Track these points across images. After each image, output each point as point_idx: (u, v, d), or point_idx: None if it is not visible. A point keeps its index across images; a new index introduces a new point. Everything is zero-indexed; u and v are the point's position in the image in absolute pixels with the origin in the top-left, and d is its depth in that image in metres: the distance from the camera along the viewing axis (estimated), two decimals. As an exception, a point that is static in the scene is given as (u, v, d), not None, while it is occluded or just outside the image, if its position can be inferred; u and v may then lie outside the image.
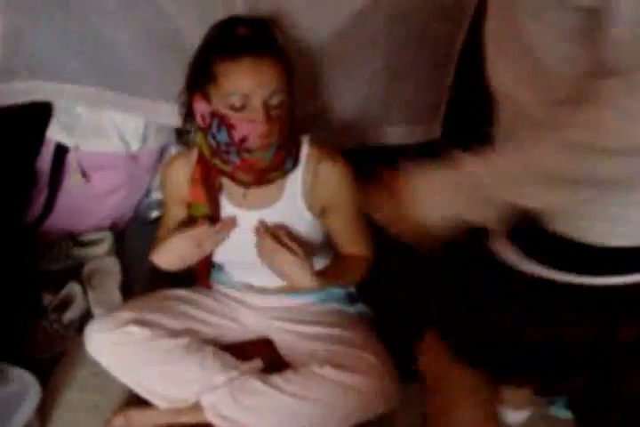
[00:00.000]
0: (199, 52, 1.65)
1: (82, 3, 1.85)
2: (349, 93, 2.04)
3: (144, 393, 1.82)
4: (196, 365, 1.79)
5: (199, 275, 1.96)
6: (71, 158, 2.29)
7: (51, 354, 2.08)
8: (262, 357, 1.89)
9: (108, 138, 2.26)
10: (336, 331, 1.89)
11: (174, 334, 1.83)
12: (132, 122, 2.25)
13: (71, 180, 2.32)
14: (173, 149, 2.42)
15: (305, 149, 1.78)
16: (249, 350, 1.93)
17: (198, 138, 1.75)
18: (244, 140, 1.60)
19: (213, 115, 1.61)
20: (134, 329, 1.78)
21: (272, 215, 1.79)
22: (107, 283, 2.30)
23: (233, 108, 1.57)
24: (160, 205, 2.54)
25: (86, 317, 2.18)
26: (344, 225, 1.85)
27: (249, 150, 1.63)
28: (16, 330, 2.04)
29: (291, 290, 1.92)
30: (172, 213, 1.90)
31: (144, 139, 2.31)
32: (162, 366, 1.79)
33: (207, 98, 1.62)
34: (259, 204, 1.79)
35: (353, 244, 1.89)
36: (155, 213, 2.54)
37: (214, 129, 1.63)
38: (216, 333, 1.94)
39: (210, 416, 1.77)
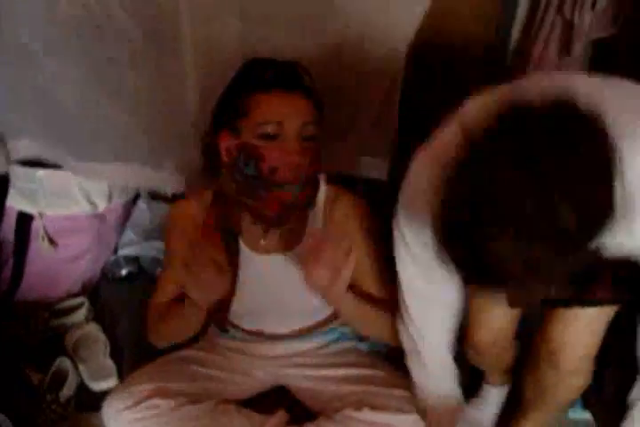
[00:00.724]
0: (227, 92, 1.64)
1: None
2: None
3: None
4: (224, 428, 1.70)
5: (219, 319, 1.86)
6: (36, 226, 2.20)
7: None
8: (282, 407, 1.80)
9: (75, 200, 2.19)
10: (358, 371, 1.83)
11: (195, 399, 1.73)
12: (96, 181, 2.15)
13: (38, 247, 2.21)
14: (142, 204, 2.32)
15: (322, 188, 1.74)
16: (266, 403, 1.86)
17: (222, 180, 1.70)
18: (273, 171, 1.56)
19: (241, 147, 1.57)
20: (158, 402, 1.68)
21: (293, 258, 1.74)
22: (95, 352, 2.17)
23: (265, 137, 1.54)
24: (130, 261, 2.46)
25: (81, 392, 2.07)
26: (364, 264, 1.73)
27: (278, 184, 1.57)
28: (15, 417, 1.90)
29: (302, 333, 1.88)
30: (175, 273, 1.76)
31: (109, 197, 2.21)
32: (190, 436, 1.69)
33: (235, 132, 1.59)
34: (279, 247, 1.75)
35: (371, 284, 1.77)
36: (124, 271, 2.45)
37: (241, 162, 1.58)
38: (230, 389, 1.85)
39: (249, 480, 1.68)
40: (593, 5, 2.10)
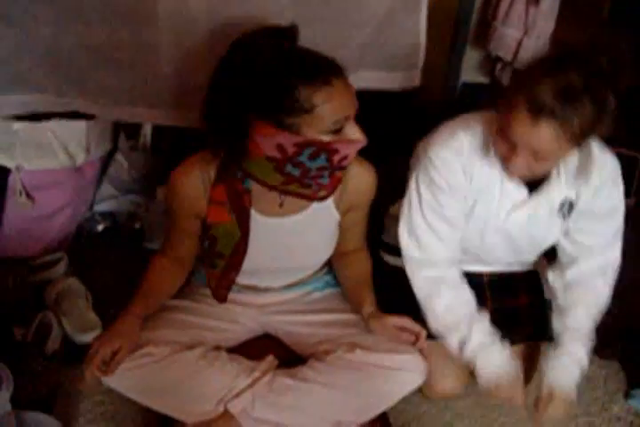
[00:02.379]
0: (264, 83, 1.47)
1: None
2: (324, 36, 1.94)
3: (170, 412, 1.71)
4: (217, 373, 1.70)
5: (223, 288, 1.85)
6: (14, 180, 2.13)
7: (45, 392, 1.91)
8: (270, 353, 1.81)
9: (53, 153, 2.13)
10: (345, 315, 1.87)
11: (187, 346, 1.73)
12: (74, 133, 2.11)
13: (15, 202, 2.16)
14: (120, 157, 2.28)
15: None
16: (254, 350, 1.87)
17: (254, 167, 1.62)
18: (343, 159, 1.57)
19: (306, 144, 1.50)
20: (152, 350, 1.68)
21: (305, 219, 1.77)
22: (77, 305, 2.15)
23: (333, 132, 1.50)
24: (106, 217, 2.44)
25: (67, 345, 2.06)
26: (360, 222, 1.90)
27: (344, 168, 1.61)
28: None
29: (292, 285, 1.93)
30: (181, 225, 1.80)
31: (87, 149, 2.17)
32: (185, 380, 1.69)
33: (287, 127, 1.49)
34: (293, 210, 1.76)
35: (358, 238, 1.94)
36: (101, 226, 2.44)
37: (304, 158, 1.53)
38: (219, 337, 1.85)
39: (243, 422, 1.69)
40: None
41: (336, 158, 1.55)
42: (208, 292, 1.91)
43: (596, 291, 1.83)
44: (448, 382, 1.85)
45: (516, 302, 1.98)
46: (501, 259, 1.92)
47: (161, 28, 1.86)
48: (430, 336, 1.77)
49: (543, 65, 1.46)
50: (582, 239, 1.81)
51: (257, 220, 1.74)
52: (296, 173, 1.57)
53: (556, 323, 1.84)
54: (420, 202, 1.76)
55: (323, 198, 1.69)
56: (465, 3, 2.27)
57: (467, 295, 1.80)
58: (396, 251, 1.87)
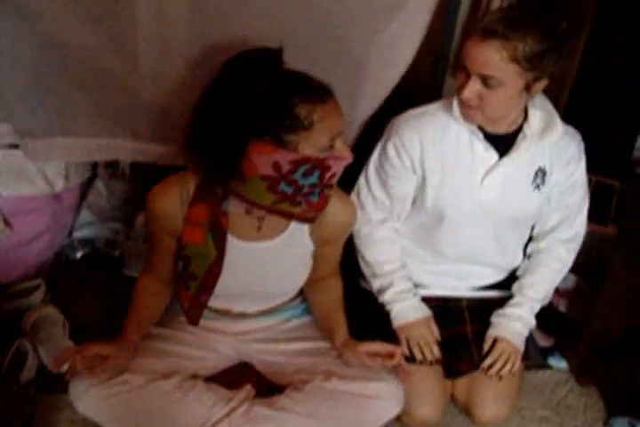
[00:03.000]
0: (262, 100, 1.47)
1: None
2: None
3: None
4: (194, 402, 1.69)
5: (195, 310, 1.82)
6: (-9, 207, 2.11)
7: (20, 420, 1.88)
8: (247, 382, 1.81)
9: (31, 180, 2.12)
10: (321, 343, 1.87)
11: (164, 375, 1.72)
12: (52, 159, 2.09)
13: (-7, 230, 2.14)
14: (99, 184, 2.28)
15: None
16: (231, 379, 1.86)
17: (245, 187, 1.59)
18: (332, 176, 1.60)
19: (301, 161, 1.51)
20: (128, 377, 1.67)
21: (279, 245, 1.77)
22: (54, 334, 2.11)
23: (328, 148, 1.53)
24: (85, 244, 2.44)
25: (43, 374, 2.02)
26: (334, 254, 1.91)
27: (332, 185, 1.63)
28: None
29: (268, 312, 1.92)
30: (160, 244, 1.80)
31: (66, 176, 2.16)
32: (161, 410, 1.67)
33: (283, 144, 1.49)
34: (268, 235, 1.75)
35: (331, 267, 1.94)
36: (79, 253, 2.42)
37: (298, 175, 1.54)
38: (196, 365, 1.84)
39: (220, 452, 1.68)
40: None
41: (327, 175, 1.57)
42: (186, 319, 1.89)
43: (561, 258, 2.00)
44: (427, 410, 1.87)
45: None
46: (484, 253, 1.97)
47: (140, 55, 1.87)
48: (407, 359, 1.83)
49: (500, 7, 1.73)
50: (555, 212, 1.95)
51: (232, 243, 1.73)
52: (289, 190, 1.57)
53: (515, 284, 2.02)
54: (371, 168, 1.95)
55: (309, 219, 1.68)
56: (446, 33, 2.28)
57: (391, 251, 1.99)
58: None
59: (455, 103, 1.76)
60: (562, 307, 2.41)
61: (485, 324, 1.95)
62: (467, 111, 1.72)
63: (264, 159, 1.51)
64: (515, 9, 1.64)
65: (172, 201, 1.70)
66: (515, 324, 1.91)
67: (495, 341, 1.90)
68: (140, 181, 2.44)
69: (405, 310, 1.93)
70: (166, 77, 1.93)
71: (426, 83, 2.35)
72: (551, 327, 2.33)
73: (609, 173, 2.37)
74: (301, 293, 1.98)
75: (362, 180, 1.97)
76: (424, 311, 1.95)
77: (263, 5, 1.81)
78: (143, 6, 1.77)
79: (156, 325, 1.88)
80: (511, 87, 1.63)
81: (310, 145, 1.50)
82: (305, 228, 1.76)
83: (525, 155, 1.79)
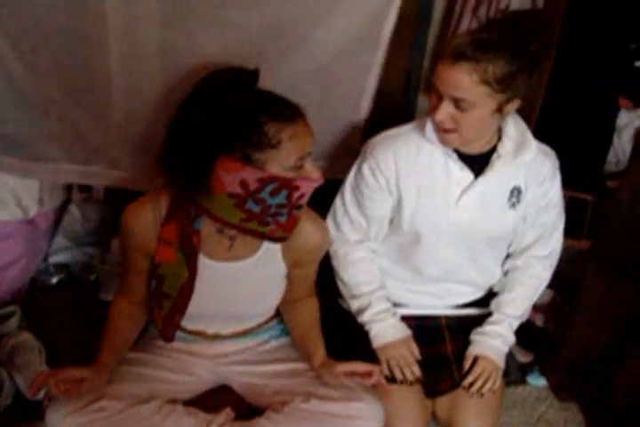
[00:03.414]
0: (231, 116, 1.48)
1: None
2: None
3: None
4: (173, 427, 1.68)
5: (169, 329, 1.82)
6: (-34, 234, 2.09)
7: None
8: (226, 405, 1.79)
9: (5, 205, 2.11)
10: (300, 364, 1.85)
11: (142, 399, 1.70)
12: (27, 184, 2.10)
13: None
14: (73, 208, 2.26)
15: None
16: (211, 402, 1.84)
17: (213, 205, 1.60)
18: (301, 197, 1.59)
19: (268, 180, 1.52)
20: (105, 404, 1.64)
21: (251, 265, 1.76)
22: (30, 360, 2.09)
23: (297, 168, 1.54)
24: (60, 269, 2.43)
25: (19, 401, 2.00)
26: (308, 276, 1.90)
27: (301, 206, 1.62)
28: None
29: (243, 333, 1.91)
30: (134, 264, 1.79)
31: (40, 201, 2.15)
32: (141, 435, 1.66)
33: (251, 162, 1.50)
34: (240, 255, 1.75)
35: (306, 288, 1.93)
36: (55, 279, 2.41)
37: (265, 194, 1.54)
38: (175, 389, 1.82)
39: (201, 477, 1.66)
40: (507, 8, 2.18)
41: (295, 196, 1.56)
42: (162, 344, 1.88)
43: (538, 275, 2.00)
44: None
45: None
46: (461, 272, 1.97)
47: (113, 84, 1.88)
48: (388, 379, 1.83)
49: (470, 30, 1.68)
50: (531, 230, 1.95)
51: (204, 263, 1.72)
52: (256, 209, 1.57)
53: (493, 301, 2.01)
54: (348, 189, 1.95)
55: (280, 239, 1.68)
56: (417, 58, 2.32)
57: (369, 271, 1.98)
58: None
59: (428, 124, 1.77)
60: (539, 322, 2.43)
61: (465, 342, 1.95)
62: (443, 135, 1.74)
63: (232, 176, 1.51)
64: (484, 30, 1.63)
65: (145, 220, 1.70)
66: (494, 341, 1.91)
67: (476, 359, 1.90)
68: (114, 204, 2.43)
69: (384, 330, 1.92)
70: (139, 106, 1.94)
71: (399, 102, 2.38)
72: (530, 343, 2.35)
73: (582, 187, 2.40)
74: (279, 313, 1.97)
75: (338, 201, 1.98)
76: (403, 331, 1.94)
77: (234, 30, 1.84)
78: (113, 39, 1.79)
79: (132, 349, 1.85)
80: (483, 109, 1.64)
81: (278, 164, 1.51)
82: (277, 249, 1.76)
83: (500, 174, 1.80)
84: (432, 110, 1.69)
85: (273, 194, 1.54)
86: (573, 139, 2.32)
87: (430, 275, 1.97)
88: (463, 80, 1.59)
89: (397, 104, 2.40)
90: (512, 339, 1.95)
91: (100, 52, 1.80)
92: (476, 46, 1.58)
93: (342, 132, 2.26)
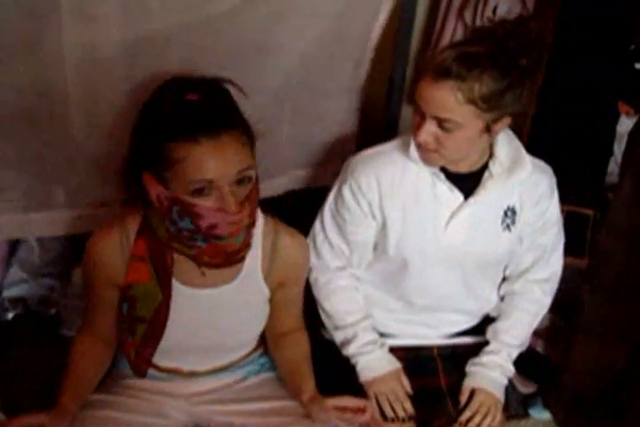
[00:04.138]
0: (145, 126, 1.51)
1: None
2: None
3: None
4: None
5: (143, 357, 1.76)
6: None
7: None
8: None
9: (-46, 236, 2.04)
10: (280, 403, 1.82)
11: None
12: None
13: None
14: (31, 237, 2.22)
15: (260, 220, 1.73)
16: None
17: (150, 216, 1.62)
18: (212, 227, 1.52)
19: (173, 201, 1.49)
20: None
21: (230, 292, 1.73)
22: (-15, 406, 2.04)
23: (196, 194, 1.47)
24: (17, 303, 2.43)
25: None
26: (293, 300, 1.88)
27: (219, 238, 1.55)
28: None
29: (222, 369, 1.87)
30: (100, 296, 1.75)
31: (-6, 231, 2.11)
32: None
33: (162, 181, 1.48)
34: (216, 281, 1.71)
35: (294, 318, 1.90)
36: (11, 314, 2.40)
37: (174, 215, 1.51)
38: (146, 433, 1.79)
39: None
40: (494, 10, 2.16)
41: (202, 224, 1.51)
42: (132, 383, 1.84)
43: (537, 300, 1.98)
44: None
45: None
46: (453, 299, 1.94)
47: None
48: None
49: (452, 43, 1.65)
50: (529, 252, 1.93)
51: (177, 289, 1.69)
52: (172, 229, 1.57)
53: (490, 329, 1.99)
54: (327, 213, 1.93)
55: (210, 265, 1.64)
56: (399, 62, 2.30)
57: (353, 300, 1.96)
58: None
59: (413, 144, 1.74)
60: (539, 348, 2.40)
61: (460, 373, 1.92)
62: (425, 155, 1.71)
63: (151, 191, 1.54)
64: (470, 43, 1.60)
65: (112, 247, 1.67)
66: (492, 373, 1.88)
67: (473, 392, 1.86)
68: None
69: (372, 363, 1.89)
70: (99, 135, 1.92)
71: (381, 113, 2.35)
72: (531, 371, 2.33)
73: (582, 201, 2.38)
74: (259, 346, 1.94)
75: (317, 225, 1.95)
76: (392, 364, 1.91)
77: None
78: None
79: (97, 390, 1.80)
80: (469, 129, 1.61)
81: (176, 186, 1.48)
82: (258, 271, 1.74)
83: (493, 194, 1.78)
84: (414, 129, 1.67)
85: (180, 217, 1.52)
86: (571, 148, 2.31)
87: (420, 304, 1.94)
88: (447, 99, 1.56)
89: (380, 115, 2.38)
90: (511, 370, 1.92)
91: (55, 62, 1.75)
92: (461, 62, 1.54)
93: (330, 136, 2.26)
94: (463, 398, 1.86)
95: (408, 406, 1.85)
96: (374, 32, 2.07)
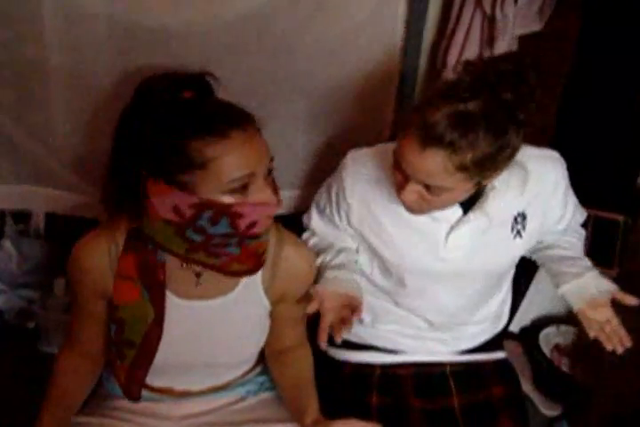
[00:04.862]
0: (146, 131, 1.42)
1: None
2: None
3: None
4: None
5: (134, 382, 1.71)
6: None
7: None
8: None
9: None
10: (282, 425, 1.77)
11: None
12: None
13: None
14: (7, 244, 2.24)
15: None
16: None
17: (149, 230, 1.55)
18: (252, 225, 1.49)
19: (203, 206, 1.42)
20: None
21: (228, 304, 1.69)
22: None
23: (235, 192, 1.42)
24: None
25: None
26: (296, 314, 1.83)
27: (256, 237, 1.52)
28: None
29: (217, 389, 1.84)
30: (86, 309, 1.70)
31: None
32: None
33: (181, 186, 1.42)
34: (213, 292, 1.67)
35: (297, 334, 1.87)
36: None
37: (204, 222, 1.44)
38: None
39: None
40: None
41: (242, 224, 1.46)
42: (119, 404, 1.80)
43: (574, 244, 1.95)
44: None
45: (489, 394, 1.91)
46: (463, 312, 1.91)
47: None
48: None
49: (444, 90, 1.48)
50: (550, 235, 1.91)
51: (172, 302, 1.65)
52: (198, 239, 1.49)
53: (548, 269, 1.92)
54: (319, 208, 1.93)
55: (239, 274, 1.60)
56: (410, 55, 2.27)
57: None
58: (343, 344, 1.81)
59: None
60: (564, 367, 2.35)
61: (474, 393, 1.88)
62: (409, 209, 1.65)
63: (163, 202, 1.46)
64: (462, 98, 1.44)
65: (99, 255, 1.63)
66: (591, 290, 1.81)
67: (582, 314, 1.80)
68: (55, 239, 2.38)
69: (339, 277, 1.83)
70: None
71: (390, 120, 2.33)
72: (555, 392, 2.28)
73: (611, 205, 2.33)
74: (257, 363, 1.90)
75: (305, 217, 1.98)
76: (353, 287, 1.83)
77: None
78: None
79: (80, 412, 1.76)
80: (458, 190, 1.54)
81: (210, 187, 1.42)
82: (258, 283, 1.69)
83: (497, 205, 1.70)
84: (397, 187, 1.60)
85: (213, 223, 1.45)
86: (599, 148, 2.26)
87: (430, 321, 1.91)
88: (437, 169, 1.47)
89: (389, 123, 2.35)
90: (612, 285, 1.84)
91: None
92: (455, 127, 1.42)
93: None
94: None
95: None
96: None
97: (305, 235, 1.95)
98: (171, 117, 1.41)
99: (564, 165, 1.79)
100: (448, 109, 1.43)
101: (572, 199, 1.86)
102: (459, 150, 1.43)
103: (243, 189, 1.43)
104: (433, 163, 1.45)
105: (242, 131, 1.42)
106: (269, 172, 1.50)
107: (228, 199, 1.42)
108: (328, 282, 1.79)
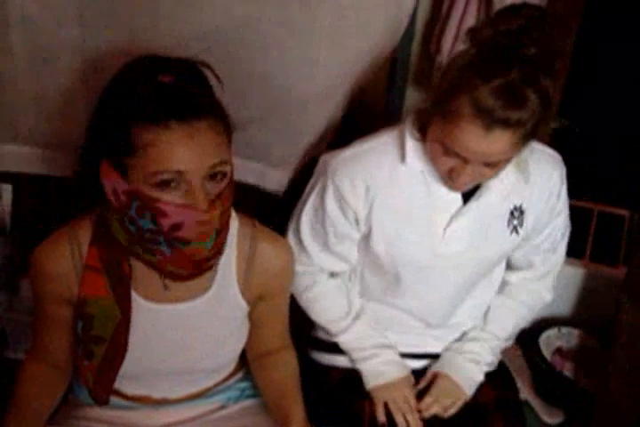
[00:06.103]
0: (109, 107, 1.47)
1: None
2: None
3: None
4: None
5: (103, 383, 1.72)
6: None
7: None
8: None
9: None
10: None
11: None
12: None
13: None
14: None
15: (235, 223, 1.71)
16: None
17: (106, 215, 1.58)
18: (176, 228, 1.46)
19: (132, 194, 1.44)
20: None
21: (202, 307, 1.71)
22: None
23: (160, 187, 1.42)
24: None
25: None
26: (277, 314, 1.87)
27: (185, 242, 1.50)
28: None
29: (196, 396, 1.87)
30: (50, 315, 1.71)
31: None
32: None
33: (121, 170, 1.44)
34: (184, 295, 1.69)
35: (279, 335, 1.90)
36: None
37: (133, 212, 1.46)
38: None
39: None
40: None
41: (165, 223, 1.45)
42: (91, 412, 1.83)
43: (538, 295, 2.05)
44: None
45: (482, 398, 1.96)
46: (459, 308, 1.97)
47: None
48: None
49: (474, 69, 1.53)
50: (534, 246, 1.96)
51: (139, 304, 1.67)
52: (132, 229, 1.51)
53: (486, 311, 2.03)
54: (304, 226, 1.92)
55: (179, 278, 1.61)
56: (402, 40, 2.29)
57: (338, 306, 1.98)
58: (330, 347, 1.92)
59: (409, 145, 1.74)
60: (568, 372, 2.39)
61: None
62: (455, 186, 1.70)
63: (107, 183, 1.49)
64: (497, 69, 1.51)
65: (62, 259, 1.64)
66: (467, 363, 1.94)
67: (436, 377, 1.92)
68: (22, 236, 2.38)
69: (379, 367, 1.92)
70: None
71: (382, 98, 2.34)
72: (557, 399, 2.31)
73: (616, 200, 2.36)
74: (239, 368, 1.94)
75: (291, 236, 1.97)
76: (404, 368, 1.94)
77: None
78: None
79: (49, 423, 1.78)
80: (514, 155, 1.62)
81: (138, 175, 1.43)
82: (233, 283, 1.72)
83: (497, 195, 1.78)
84: (448, 172, 1.65)
85: (138, 214, 1.47)
86: (603, 141, 2.30)
87: (429, 320, 1.96)
88: (504, 147, 1.55)
89: (381, 101, 2.37)
90: (490, 363, 1.97)
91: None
92: (511, 105, 1.49)
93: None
94: (423, 383, 1.92)
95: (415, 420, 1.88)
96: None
97: (302, 259, 1.95)
98: (129, 98, 1.42)
99: (564, 169, 1.87)
100: (494, 88, 1.49)
101: (564, 214, 1.94)
102: (522, 124, 1.51)
103: (168, 186, 1.42)
104: (500, 143, 1.53)
105: (187, 125, 1.40)
106: (215, 175, 1.46)
107: (153, 193, 1.42)
108: (372, 377, 1.92)
